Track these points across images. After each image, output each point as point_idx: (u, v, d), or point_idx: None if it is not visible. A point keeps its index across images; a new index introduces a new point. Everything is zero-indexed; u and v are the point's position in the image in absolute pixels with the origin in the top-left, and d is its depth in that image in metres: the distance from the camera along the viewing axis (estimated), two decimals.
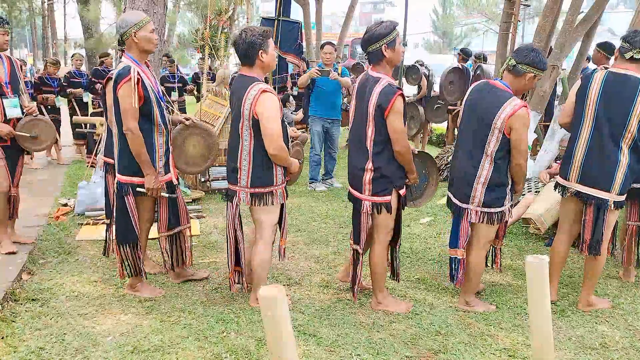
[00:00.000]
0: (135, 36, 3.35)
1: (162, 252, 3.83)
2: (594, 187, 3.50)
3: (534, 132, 6.23)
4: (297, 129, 7.90)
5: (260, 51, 3.28)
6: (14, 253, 4.22)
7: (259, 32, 3.30)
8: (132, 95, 3.28)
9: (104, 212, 5.37)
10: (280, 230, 3.62)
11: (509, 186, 3.47)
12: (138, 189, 3.47)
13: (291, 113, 9.22)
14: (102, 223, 5.21)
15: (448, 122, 9.41)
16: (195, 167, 4.06)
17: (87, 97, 8.66)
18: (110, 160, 3.99)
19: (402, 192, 3.44)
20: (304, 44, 9.04)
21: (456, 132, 8.90)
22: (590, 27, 6.10)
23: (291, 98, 9.52)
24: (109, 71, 10.21)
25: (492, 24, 31.13)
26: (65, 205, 5.80)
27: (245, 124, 3.30)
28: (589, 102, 3.52)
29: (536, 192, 5.41)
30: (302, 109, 9.07)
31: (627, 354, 3.16)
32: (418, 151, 3.81)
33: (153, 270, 4.08)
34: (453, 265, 3.64)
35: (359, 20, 63.63)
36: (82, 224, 5.18)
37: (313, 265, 4.40)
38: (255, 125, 3.27)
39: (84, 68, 9.95)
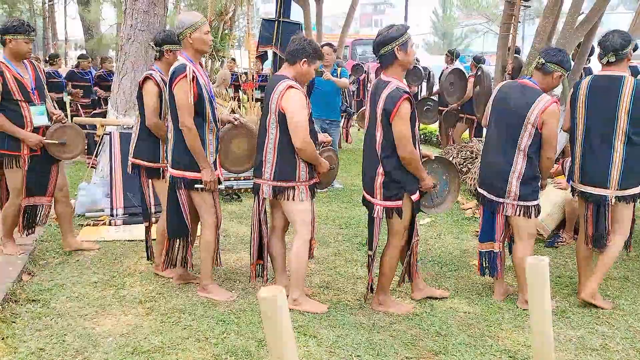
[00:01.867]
0: (190, 37, 3.44)
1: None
2: (593, 185, 3.65)
3: None
4: None
5: (304, 60, 3.39)
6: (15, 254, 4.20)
7: (317, 47, 3.47)
8: (187, 92, 3.35)
9: (104, 213, 5.40)
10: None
11: (540, 180, 3.61)
12: (196, 185, 3.51)
13: None
14: (103, 224, 5.22)
15: (440, 124, 9.34)
16: (238, 166, 4.05)
17: (67, 98, 8.75)
18: (142, 162, 3.94)
19: (414, 197, 3.44)
20: None
21: (450, 132, 9.03)
22: (591, 28, 6.09)
23: None
24: (108, 74, 10.24)
25: (492, 25, 31.13)
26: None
27: (272, 118, 3.39)
28: (579, 105, 3.70)
29: None
30: None
31: (628, 355, 3.16)
32: (437, 157, 3.77)
33: (171, 274, 3.99)
34: (484, 259, 3.78)
35: (359, 21, 63.68)
36: (82, 225, 5.17)
37: (313, 266, 4.40)
38: (282, 119, 3.35)
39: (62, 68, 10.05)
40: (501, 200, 3.60)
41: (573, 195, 3.90)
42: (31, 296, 3.65)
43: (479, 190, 3.79)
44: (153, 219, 4.27)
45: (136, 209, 5.23)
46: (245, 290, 3.87)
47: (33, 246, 4.51)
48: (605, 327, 3.48)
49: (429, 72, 9.66)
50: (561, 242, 5.08)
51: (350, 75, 9.94)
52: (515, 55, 6.85)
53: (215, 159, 3.65)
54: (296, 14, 9.30)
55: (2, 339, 3.09)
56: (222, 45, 13.30)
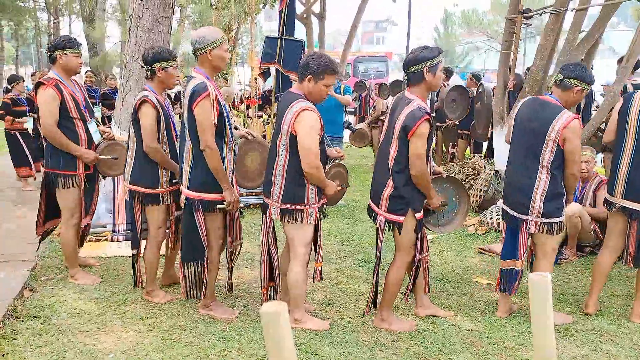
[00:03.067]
0: (210, 53, 3.37)
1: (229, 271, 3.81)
2: (639, 201, 3.65)
3: None
4: None
5: (310, 77, 3.30)
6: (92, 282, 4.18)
7: (325, 62, 3.29)
8: (210, 111, 3.28)
9: (106, 229, 5.40)
10: (316, 252, 3.58)
11: (565, 196, 3.58)
12: (218, 205, 3.44)
13: None
14: (105, 240, 5.22)
15: (437, 140, 9.41)
16: (251, 182, 3.95)
17: (29, 124, 7.92)
18: (139, 189, 3.77)
19: (417, 215, 3.42)
20: None
21: (452, 149, 9.10)
22: (592, 45, 6.14)
23: None
24: (112, 92, 10.30)
25: (493, 42, 31.35)
26: None
27: (282, 139, 3.32)
28: (630, 120, 3.70)
29: None
30: None
31: None
32: (449, 176, 3.76)
33: (164, 299, 3.91)
34: (507, 277, 3.74)
35: (361, 38, 64.16)
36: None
37: (315, 282, 4.38)
38: (293, 141, 3.27)
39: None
40: (524, 217, 3.58)
41: (610, 210, 3.84)
42: (32, 312, 3.64)
43: (503, 206, 3.78)
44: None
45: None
46: (246, 307, 3.85)
47: (35, 262, 4.51)
48: (609, 345, 3.45)
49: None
50: (564, 259, 5.05)
51: (352, 91, 10.01)
52: (517, 72, 6.90)
53: (233, 177, 3.57)
54: (299, 31, 9.38)
55: (3, 355, 3.07)
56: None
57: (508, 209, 3.70)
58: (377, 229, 3.52)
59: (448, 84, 9.08)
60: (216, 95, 3.33)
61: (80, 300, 3.87)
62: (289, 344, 1.22)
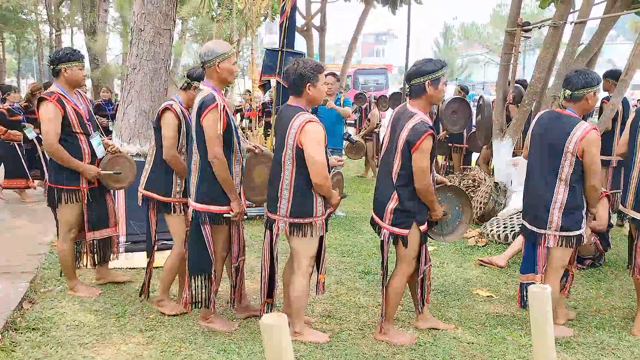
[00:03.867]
0: (219, 66, 3.38)
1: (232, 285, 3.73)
2: None
3: None
4: None
5: (309, 84, 3.29)
6: (96, 294, 4.16)
7: (312, 65, 3.32)
8: (217, 122, 3.28)
9: None
10: (319, 264, 3.57)
11: (585, 209, 3.56)
12: (225, 215, 3.43)
13: None
14: None
15: (452, 155, 9.43)
16: (258, 195, 3.94)
17: (32, 134, 7.55)
18: (154, 195, 3.82)
19: (422, 227, 3.43)
20: None
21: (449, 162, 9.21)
22: (591, 58, 6.17)
23: None
24: (105, 104, 10.33)
25: (492, 55, 31.50)
26: None
27: (288, 154, 3.29)
28: None
29: None
30: None
31: None
32: (452, 186, 3.78)
33: (173, 311, 3.87)
34: (525, 291, 3.72)
35: (361, 51, 64.46)
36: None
37: (315, 294, 4.37)
38: (299, 154, 3.26)
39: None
40: (542, 231, 3.57)
41: (622, 221, 3.84)
42: (31, 324, 3.62)
43: (522, 221, 3.77)
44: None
45: (138, 237, 5.22)
46: (246, 319, 3.84)
47: (35, 274, 4.50)
48: (610, 359, 3.43)
49: None
50: None
51: (352, 104, 10.04)
52: (516, 84, 6.93)
53: (240, 190, 3.56)
54: (300, 44, 9.44)
55: None
56: None
57: (527, 224, 3.69)
58: (382, 242, 3.52)
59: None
60: (224, 106, 3.34)
61: (79, 313, 3.86)
62: (289, 357, 1.22)
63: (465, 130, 8.34)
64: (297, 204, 3.33)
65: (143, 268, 4.85)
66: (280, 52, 6.67)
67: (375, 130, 10.29)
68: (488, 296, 4.42)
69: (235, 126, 3.47)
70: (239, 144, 3.51)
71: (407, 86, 3.41)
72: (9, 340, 3.37)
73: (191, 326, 3.69)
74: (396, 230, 3.41)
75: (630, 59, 5.58)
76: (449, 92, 10.16)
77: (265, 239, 3.51)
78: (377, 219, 3.53)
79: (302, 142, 3.23)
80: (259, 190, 3.86)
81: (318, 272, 3.59)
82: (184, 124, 3.75)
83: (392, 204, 3.39)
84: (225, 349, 3.36)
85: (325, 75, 7.34)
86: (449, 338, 3.64)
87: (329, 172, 3.46)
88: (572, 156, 3.40)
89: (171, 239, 3.97)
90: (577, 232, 3.52)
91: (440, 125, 9.50)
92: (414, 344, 3.52)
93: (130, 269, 4.83)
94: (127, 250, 5.21)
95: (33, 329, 3.57)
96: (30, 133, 7.40)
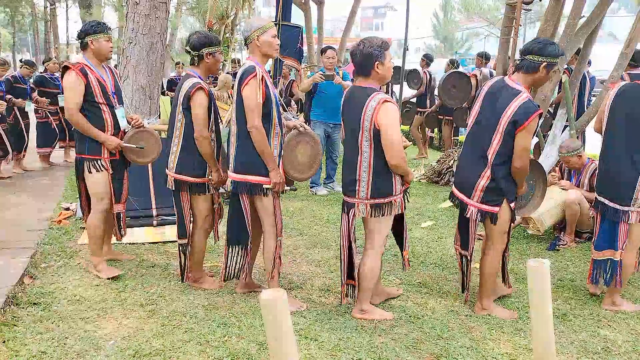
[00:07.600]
0: (258, 40, 3.40)
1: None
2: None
3: (536, 135, 6.23)
4: None
5: (377, 62, 3.24)
6: (117, 277, 4.05)
7: (377, 43, 3.26)
8: (257, 91, 3.30)
9: None
10: (402, 239, 3.64)
11: None
12: (264, 185, 3.43)
13: (292, 117, 9.22)
14: None
15: (421, 125, 9.94)
16: (300, 174, 3.93)
17: (29, 107, 7.97)
18: (187, 178, 3.75)
19: (512, 205, 3.45)
20: (305, 48, 9.06)
21: (454, 136, 9.29)
22: (592, 31, 6.10)
23: (292, 102, 9.54)
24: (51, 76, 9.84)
25: (493, 28, 31.17)
26: (67, 209, 5.81)
27: (365, 135, 3.25)
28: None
29: None
30: (302, 113, 9.09)
31: (630, 358, 3.16)
32: (532, 160, 3.73)
33: (212, 285, 3.95)
34: (600, 268, 3.74)
35: (360, 25, 63.78)
36: (84, 228, 5.18)
37: (314, 269, 4.40)
38: (376, 135, 3.22)
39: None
40: (626, 208, 3.55)
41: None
42: (32, 299, 3.65)
43: (599, 198, 3.73)
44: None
45: (137, 212, 5.24)
46: (246, 293, 3.87)
47: (35, 249, 4.52)
48: (607, 331, 3.48)
49: (430, 74, 9.73)
50: (562, 244, 5.08)
51: (351, 79, 9.97)
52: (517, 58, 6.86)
53: (278, 164, 3.54)
54: (297, 17, 9.32)
55: (4, 342, 3.09)
56: (223, 49, 13.35)
57: (606, 201, 3.65)
58: (467, 220, 3.53)
59: (429, 71, 9.67)
60: (263, 77, 3.34)
61: (80, 287, 3.88)
62: (289, 330, 1.23)
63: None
64: (377, 185, 3.30)
65: (142, 243, 4.90)
66: (277, 25, 6.58)
67: None
68: None
69: (276, 100, 3.47)
70: (279, 118, 3.50)
71: (520, 59, 3.34)
72: (11, 315, 3.40)
73: (191, 300, 3.72)
74: (486, 207, 3.40)
75: (632, 31, 5.52)
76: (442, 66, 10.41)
77: (344, 222, 3.49)
78: (461, 195, 3.51)
79: (379, 123, 3.18)
80: (300, 168, 3.83)
81: (401, 249, 3.66)
82: (213, 103, 3.73)
83: (482, 182, 3.37)
84: (225, 323, 3.39)
85: (324, 50, 7.30)
86: (447, 311, 3.68)
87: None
88: None
89: (172, 215, 3.96)
90: None
91: (427, 99, 9.73)
92: (412, 317, 3.56)
93: (130, 244, 4.85)
94: (127, 226, 5.22)
95: (34, 303, 3.60)
96: (60, 101, 7.89)
